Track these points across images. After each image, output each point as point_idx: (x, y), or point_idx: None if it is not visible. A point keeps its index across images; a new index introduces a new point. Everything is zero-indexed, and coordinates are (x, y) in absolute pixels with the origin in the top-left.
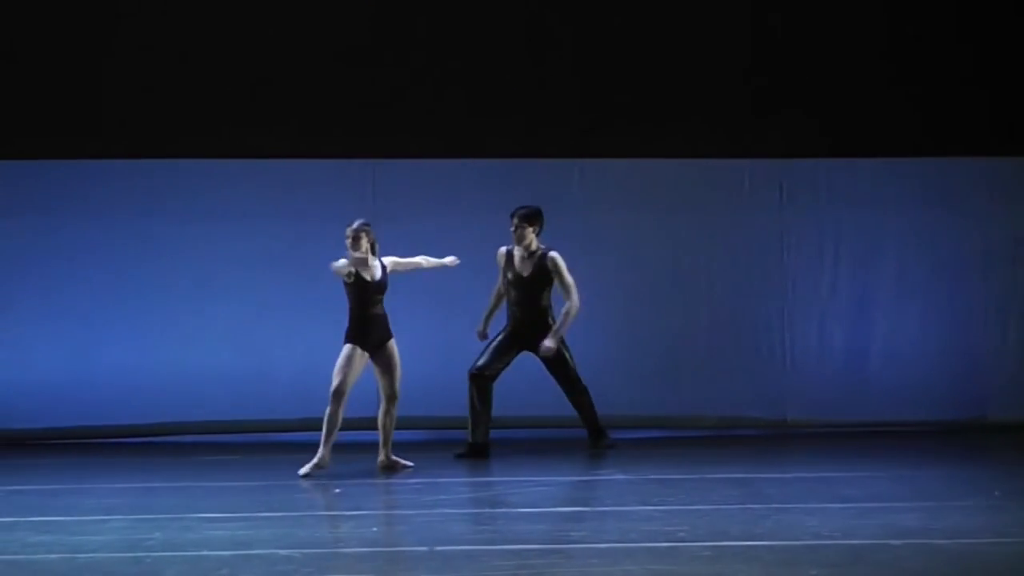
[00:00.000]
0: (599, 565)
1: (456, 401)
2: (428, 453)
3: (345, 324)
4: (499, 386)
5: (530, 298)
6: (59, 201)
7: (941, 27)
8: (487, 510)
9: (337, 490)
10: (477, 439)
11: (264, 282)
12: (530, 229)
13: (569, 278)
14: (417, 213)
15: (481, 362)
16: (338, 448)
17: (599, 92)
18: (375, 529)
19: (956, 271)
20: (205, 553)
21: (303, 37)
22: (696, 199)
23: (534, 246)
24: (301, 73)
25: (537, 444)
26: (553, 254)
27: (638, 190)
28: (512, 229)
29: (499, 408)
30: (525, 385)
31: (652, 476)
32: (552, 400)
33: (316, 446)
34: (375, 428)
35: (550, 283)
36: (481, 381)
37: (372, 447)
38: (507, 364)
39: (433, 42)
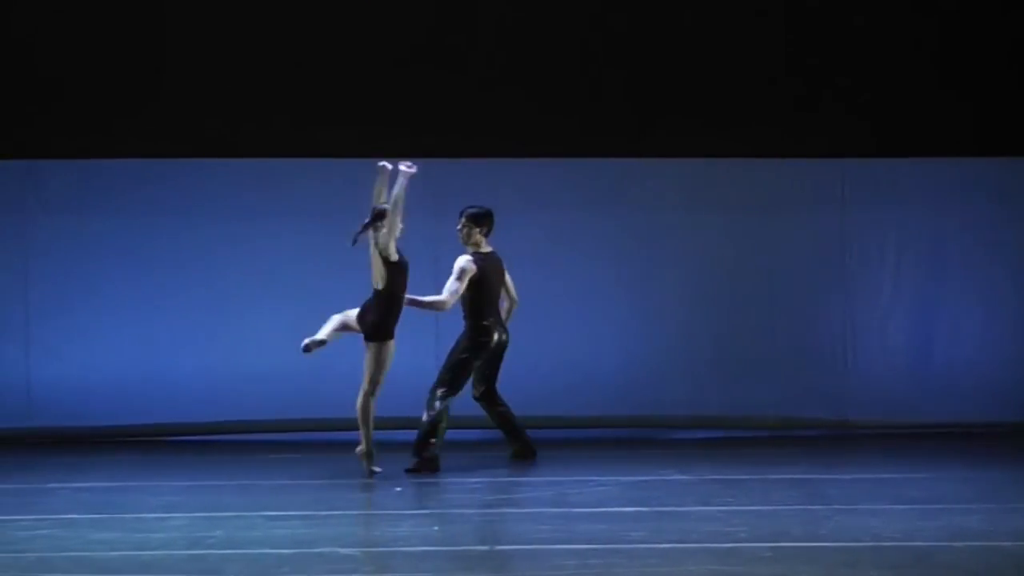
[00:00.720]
0: (659, 565)
1: (519, 400)
2: (485, 453)
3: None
4: (557, 385)
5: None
6: (127, 201)
7: (1000, 26)
8: (547, 510)
9: (398, 489)
10: (514, 446)
11: (324, 281)
12: (476, 230)
13: (453, 283)
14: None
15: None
16: (397, 447)
17: (660, 91)
18: (435, 528)
19: (1019, 270)
20: (266, 551)
21: (362, 37)
22: (757, 199)
23: (484, 248)
24: (360, 72)
25: (597, 444)
26: (462, 256)
27: (699, 190)
28: (458, 228)
29: (555, 408)
30: (581, 384)
31: (712, 476)
32: (612, 400)
33: (377, 445)
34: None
35: (477, 287)
36: (481, 403)
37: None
38: (494, 372)
39: (493, 42)
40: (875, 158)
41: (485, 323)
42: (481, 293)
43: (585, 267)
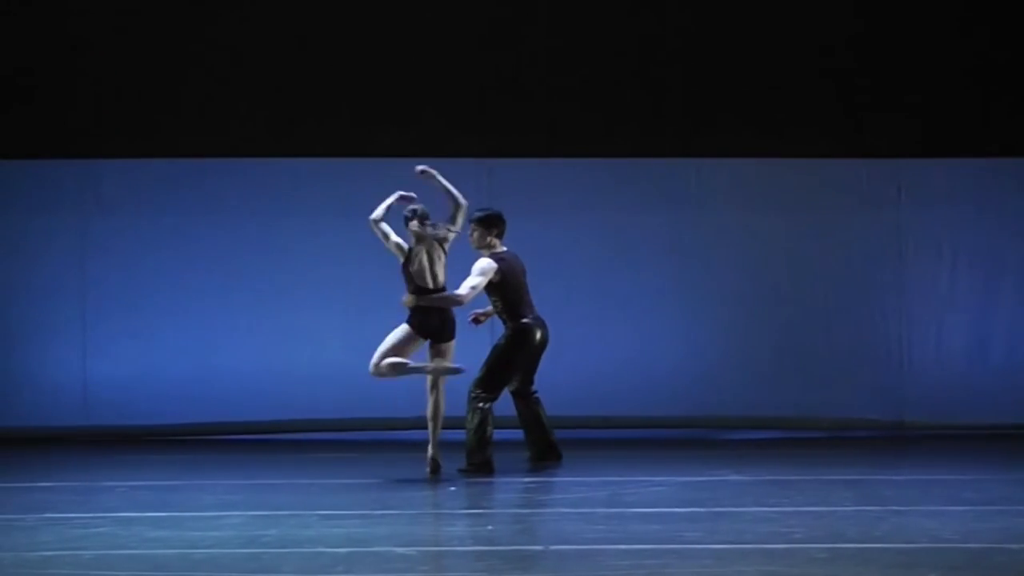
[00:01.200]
0: (714, 566)
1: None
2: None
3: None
4: (612, 385)
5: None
6: (184, 200)
7: None
8: (602, 510)
9: (452, 488)
10: (531, 451)
11: (379, 281)
12: (487, 233)
13: (473, 279)
14: (531, 212)
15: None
16: (454, 446)
17: (716, 91)
18: (490, 527)
19: None
20: (321, 550)
21: (420, 37)
22: (813, 199)
23: (499, 249)
24: (418, 73)
25: (652, 444)
26: (481, 259)
27: (755, 190)
28: (469, 234)
29: (611, 408)
30: (636, 384)
31: (767, 477)
32: (667, 400)
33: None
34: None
35: (503, 288)
36: (515, 398)
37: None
38: (532, 369)
39: (549, 41)
40: (931, 158)
41: (525, 321)
42: (509, 293)
43: (640, 267)
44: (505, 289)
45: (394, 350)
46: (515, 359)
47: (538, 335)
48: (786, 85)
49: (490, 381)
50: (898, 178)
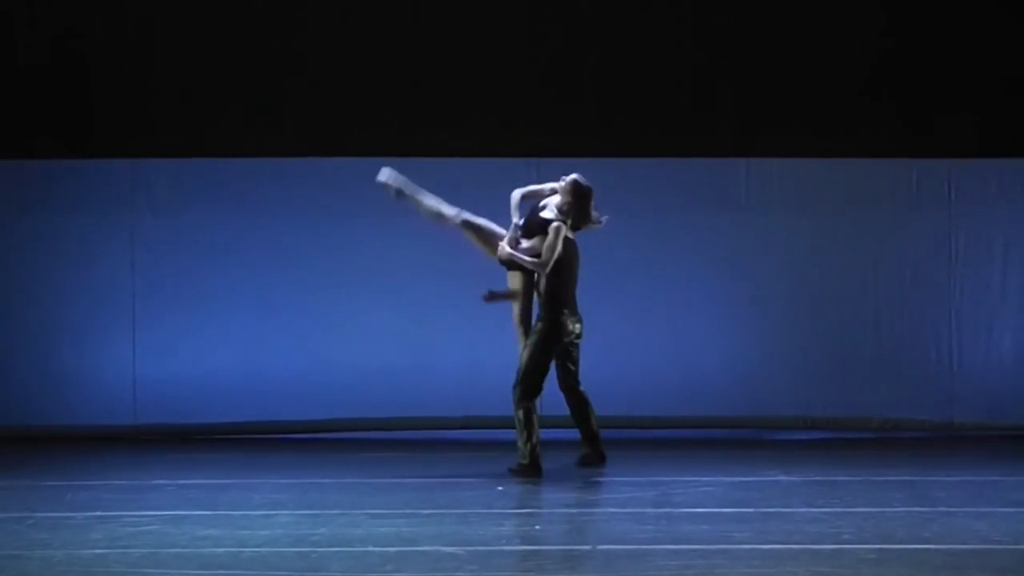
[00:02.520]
0: (763, 567)
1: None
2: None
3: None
4: (661, 385)
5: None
6: (233, 200)
7: None
8: (651, 510)
9: (500, 488)
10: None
11: (429, 280)
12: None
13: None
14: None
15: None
16: (502, 446)
17: (766, 92)
18: (538, 527)
19: None
20: (370, 549)
21: (465, 37)
22: (864, 199)
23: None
24: (464, 73)
25: (701, 444)
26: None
27: (805, 189)
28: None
29: (659, 408)
30: (685, 384)
31: (816, 478)
32: (716, 400)
33: (480, 444)
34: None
35: (560, 272)
36: (564, 392)
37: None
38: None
39: (597, 41)
40: (982, 158)
41: (561, 316)
42: (563, 281)
43: (690, 268)
44: (557, 273)
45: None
46: (547, 354)
47: (571, 329)
48: (836, 85)
49: (527, 385)
50: (949, 178)
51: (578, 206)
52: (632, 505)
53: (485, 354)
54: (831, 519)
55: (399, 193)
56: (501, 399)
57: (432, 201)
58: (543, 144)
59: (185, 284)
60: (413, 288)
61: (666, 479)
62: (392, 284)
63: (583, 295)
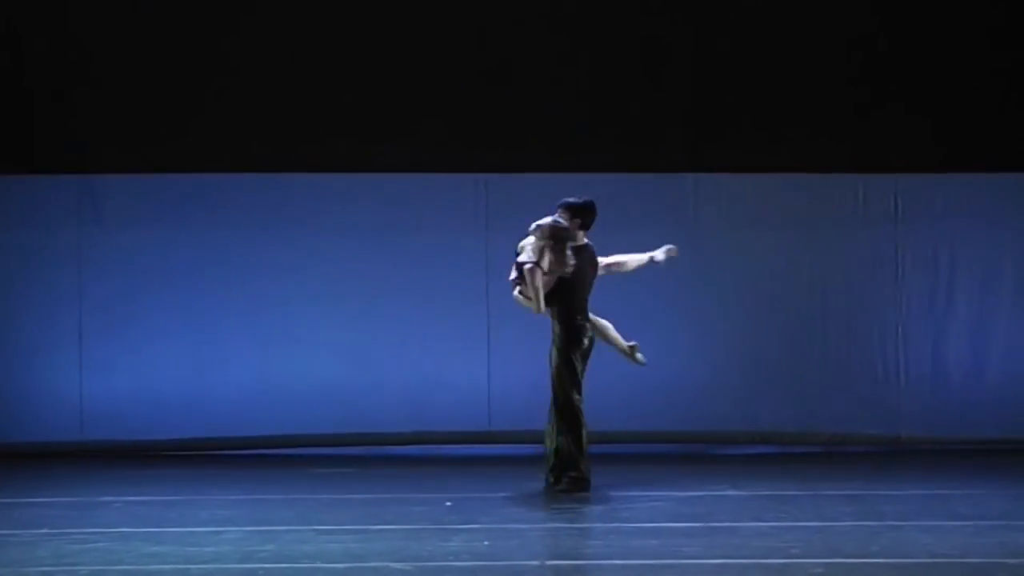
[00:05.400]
0: None
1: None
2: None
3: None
4: (609, 400)
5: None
6: (180, 216)
7: None
8: (599, 525)
9: (449, 503)
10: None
11: (377, 296)
12: (574, 221)
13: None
14: (528, 227)
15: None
16: (451, 462)
17: (712, 106)
18: (486, 543)
19: None
20: (318, 565)
21: (418, 54)
22: (810, 213)
23: (580, 241)
24: (416, 89)
25: (649, 459)
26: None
27: (752, 204)
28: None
29: (607, 423)
30: (633, 399)
31: (765, 492)
32: (664, 415)
33: (429, 460)
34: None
35: (574, 282)
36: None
37: (473, 461)
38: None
39: (546, 57)
40: (928, 173)
41: (577, 323)
42: (575, 289)
43: (636, 283)
44: (572, 283)
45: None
46: (574, 362)
47: (587, 338)
48: (783, 101)
49: (565, 394)
50: (896, 193)
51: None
52: (581, 520)
53: (434, 370)
54: (779, 533)
55: None
56: (450, 415)
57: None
58: (493, 160)
59: (132, 301)
60: (362, 304)
61: (615, 494)
62: (341, 300)
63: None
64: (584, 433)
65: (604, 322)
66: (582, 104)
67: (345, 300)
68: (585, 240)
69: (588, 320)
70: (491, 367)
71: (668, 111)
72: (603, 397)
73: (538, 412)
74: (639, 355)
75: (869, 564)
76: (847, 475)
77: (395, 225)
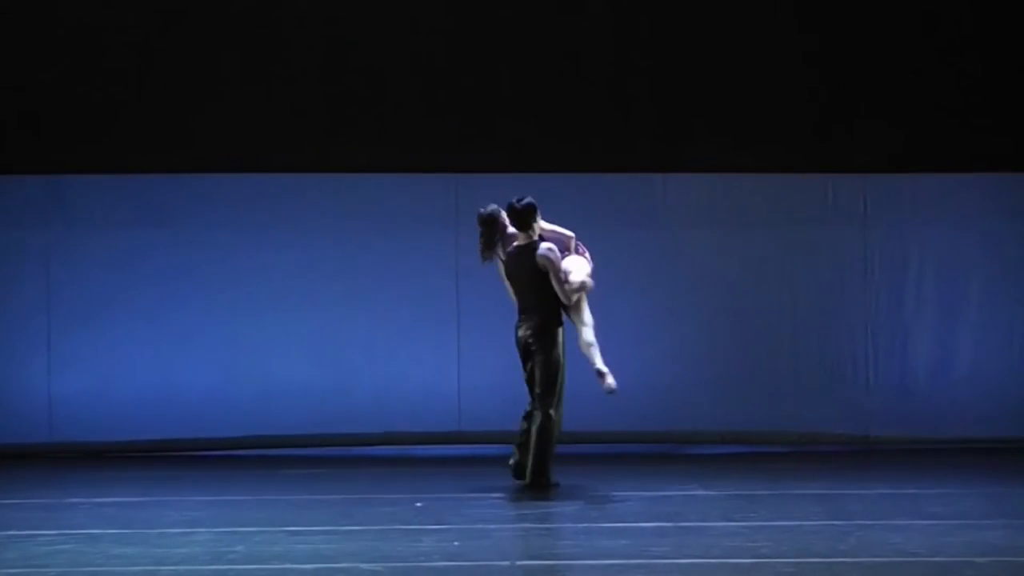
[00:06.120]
0: None
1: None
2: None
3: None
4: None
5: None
6: (148, 215)
7: (1018, 44)
8: (568, 525)
9: (419, 504)
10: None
11: (347, 297)
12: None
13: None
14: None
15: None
16: (420, 462)
17: (683, 106)
18: (456, 543)
19: None
20: (288, 566)
21: (387, 54)
22: (779, 214)
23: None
24: (386, 88)
25: (619, 459)
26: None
27: (721, 204)
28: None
29: (576, 423)
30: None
31: (734, 492)
32: (633, 415)
33: (397, 460)
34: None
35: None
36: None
37: (443, 461)
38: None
39: (515, 57)
40: (896, 174)
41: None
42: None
43: (607, 282)
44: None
45: None
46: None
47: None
48: (751, 100)
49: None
50: (864, 193)
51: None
52: (550, 520)
53: (404, 370)
54: (749, 533)
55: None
56: (420, 415)
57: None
58: (461, 161)
59: (100, 300)
60: (331, 304)
61: (584, 494)
62: (309, 300)
63: (502, 310)
64: (523, 428)
65: (590, 338)
66: (551, 104)
67: (314, 300)
68: (529, 240)
69: (521, 316)
70: (460, 367)
71: (637, 111)
72: (572, 397)
73: (507, 412)
74: (608, 381)
75: (838, 563)
76: (816, 474)
77: (365, 225)
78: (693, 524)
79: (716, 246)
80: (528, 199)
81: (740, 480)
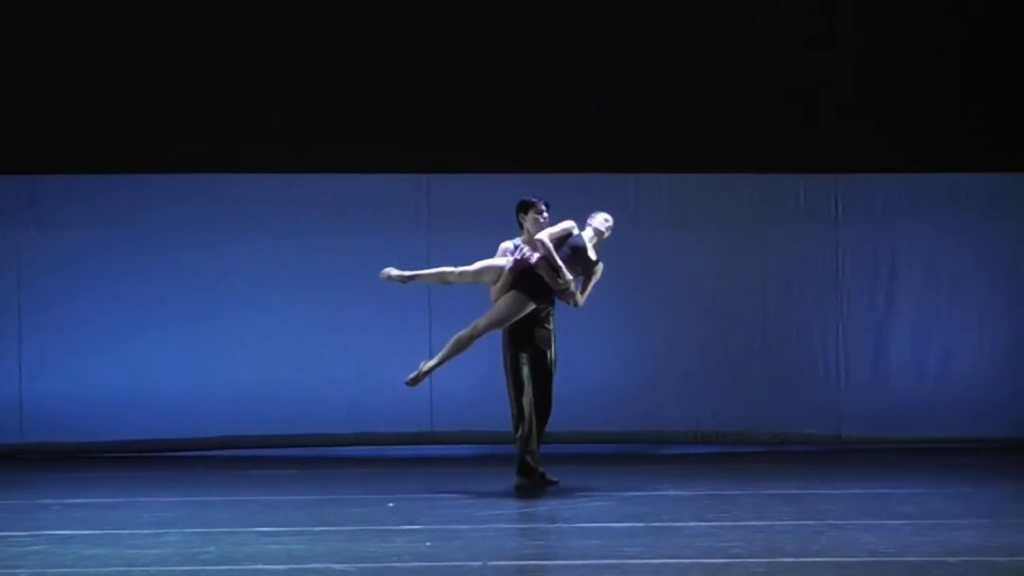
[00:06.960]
0: None
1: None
2: (480, 468)
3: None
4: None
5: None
6: (121, 217)
7: (993, 44)
8: (541, 525)
9: (391, 504)
10: None
11: (319, 297)
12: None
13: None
14: (471, 228)
15: None
16: (392, 463)
17: (654, 106)
18: (428, 544)
19: (1013, 286)
20: (260, 567)
21: (357, 54)
22: (751, 213)
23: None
24: (356, 89)
25: (591, 460)
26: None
27: (693, 204)
28: (545, 217)
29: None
30: (574, 399)
31: (706, 492)
32: (605, 415)
33: (370, 461)
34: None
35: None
36: None
37: (415, 462)
38: None
39: (487, 57)
40: (868, 174)
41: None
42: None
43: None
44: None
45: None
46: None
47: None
48: (724, 101)
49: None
50: (836, 193)
51: None
52: (523, 521)
53: (376, 371)
54: (721, 533)
55: (404, 279)
56: (392, 416)
57: (432, 270)
58: (434, 161)
59: (72, 302)
60: (303, 305)
61: (556, 494)
62: (281, 301)
63: (475, 311)
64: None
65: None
66: (524, 104)
67: (286, 301)
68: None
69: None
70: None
71: (610, 111)
72: None
73: (480, 413)
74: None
75: (810, 563)
76: (788, 474)
77: (337, 225)
78: (665, 524)
79: (688, 246)
80: (523, 198)
81: (712, 480)
